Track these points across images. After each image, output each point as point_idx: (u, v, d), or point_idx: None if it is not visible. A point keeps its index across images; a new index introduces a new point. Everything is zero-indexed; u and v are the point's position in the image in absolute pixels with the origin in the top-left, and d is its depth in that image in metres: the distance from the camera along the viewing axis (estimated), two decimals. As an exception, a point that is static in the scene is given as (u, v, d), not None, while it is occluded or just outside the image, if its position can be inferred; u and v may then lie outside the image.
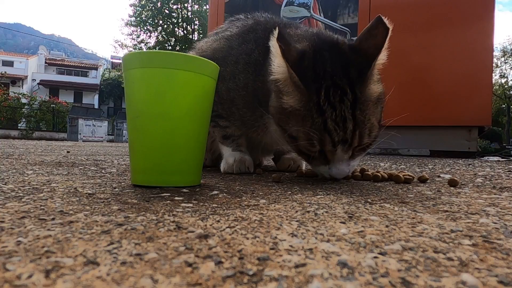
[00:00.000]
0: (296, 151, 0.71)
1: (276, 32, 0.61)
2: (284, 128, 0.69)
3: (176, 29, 15.17)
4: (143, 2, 14.64)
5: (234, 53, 0.85)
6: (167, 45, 14.99)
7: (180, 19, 15.07)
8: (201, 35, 14.53)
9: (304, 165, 0.99)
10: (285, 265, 0.23)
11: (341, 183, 0.72)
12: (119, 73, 20.54)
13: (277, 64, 0.64)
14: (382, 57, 0.63)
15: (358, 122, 0.63)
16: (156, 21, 14.89)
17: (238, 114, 0.86)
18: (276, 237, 0.30)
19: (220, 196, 0.51)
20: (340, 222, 0.36)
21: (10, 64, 22.10)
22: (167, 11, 14.88)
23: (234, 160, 0.86)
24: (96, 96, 21.71)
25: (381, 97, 0.68)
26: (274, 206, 0.44)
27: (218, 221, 0.35)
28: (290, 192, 0.57)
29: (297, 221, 0.36)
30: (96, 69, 23.90)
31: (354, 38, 0.71)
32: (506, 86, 20.37)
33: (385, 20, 0.61)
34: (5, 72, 17.36)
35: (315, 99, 0.62)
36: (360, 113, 0.63)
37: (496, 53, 20.18)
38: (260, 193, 0.55)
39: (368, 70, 0.62)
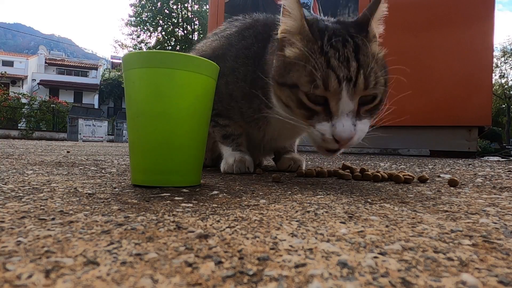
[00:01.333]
0: (297, 106, 0.65)
1: None
2: (285, 83, 0.66)
3: (176, 29, 15.17)
4: (143, 2, 14.64)
5: (234, 50, 0.86)
6: (167, 45, 14.99)
7: (180, 19, 15.07)
8: (201, 35, 14.53)
9: (304, 165, 0.99)
10: (285, 265, 0.23)
11: (341, 183, 0.72)
12: (119, 73, 20.55)
13: (285, 20, 0.67)
14: (376, 26, 0.66)
15: (362, 64, 0.61)
16: (156, 21, 14.89)
17: (237, 107, 0.86)
18: (276, 237, 0.30)
19: (220, 196, 0.51)
20: (340, 222, 0.36)
21: (10, 64, 22.10)
22: (167, 11, 14.88)
23: (234, 160, 0.86)
24: (96, 96, 21.71)
25: (384, 61, 0.67)
26: (274, 206, 0.44)
27: (218, 221, 0.35)
28: (290, 192, 0.57)
29: (297, 221, 0.36)
30: (96, 69, 23.91)
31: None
32: (506, 86, 20.37)
33: None
34: (5, 72, 17.37)
35: (319, 43, 0.63)
36: (363, 57, 0.61)
37: (496, 53, 20.19)
38: (260, 193, 0.55)
39: (366, 27, 0.65)
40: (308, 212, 0.41)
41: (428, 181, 0.77)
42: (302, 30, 0.65)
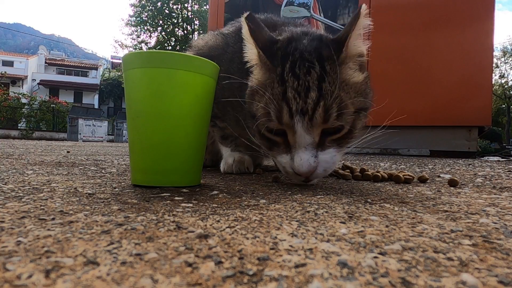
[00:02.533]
0: (259, 137, 0.63)
1: (245, 14, 0.60)
2: (250, 112, 0.64)
3: (176, 29, 15.17)
4: (143, 2, 14.65)
5: (230, 51, 0.84)
6: (167, 45, 14.99)
7: (180, 19, 15.07)
8: (200, 35, 14.52)
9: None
10: (285, 265, 0.23)
11: (341, 183, 0.72)
12: (119, 73, 20.56)
13: (248, 47, 0.63)
14: (357, 46, 0.60)
15: (324, 94, 0.55)
16: (156, 21, 14.89)
17: (233, 114, 0.85)
18: (276, 237, 0.30)
19: (220, 196, 0.51)
20: (340, 222, 0.36)
21: (10, 64, 22.10)
22: (167, 11, 14.88)
23: (233, 160, 0.86)
24: (96, 96, 21.71)
25: (362, 87, 0.61)
26: (274, 206, 0.44)
27: (218, 221, 0.35)
28: (290, 192, 0.57)
29: (297, 221, 0.36)
30: (96, 69, 23.90)
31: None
32: (506, 86, 20.37)
33: (363, 7, 0.58)
34: (5, 72, 17.36)
35: (280, 70, 0.59)
36: (328, 86, 0.56)
37: (496, 53, 20.20)
38: (260, 193, 0.55)
39: (340, 51, 0.58)
40: (308, 212, 0.41)
41: (428, 181, 0.77)
42: (261, 58, 0.61)
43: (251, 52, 0.63)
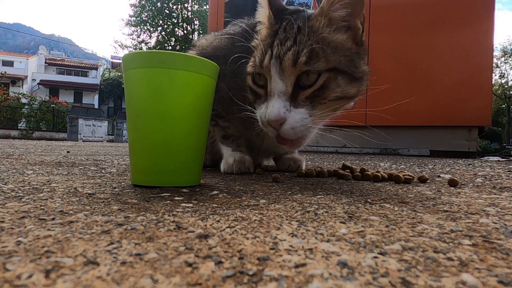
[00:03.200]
0: (249, 91, 0.71)
1: None
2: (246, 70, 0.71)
3: (176, 29, 15.17)
4: (143, 2, 14.65)
5: (236, 51, 0.84)
6: (167, 45, 14.99)
7: (180, 19, 15.07)
8: (201, 35, 14.53)
9: (304, 165, 0.99)
10: (285, 265, 0.23)
11: (341, 183, 0.72)
12: (119, 73, 20.56)
13: (260, 10, 0.72)
14: (333, 9, 0.64)
15: (297, 42, 0.61)
16: (156, 21, 14.89)
17: (238, 112, 0.85)
18: (276, 237, 0.30)
19: (220, 196, 0.51)
20: (340, 222, 0.36)
21: (10, 64, 22.10)
22: (167, 11, 14.88)
23: (234, 160, 0.86)
24: (96, 96, 21.71)
25: (345, 48, 0.64)
26: (274, 206, 0.44)
27: (218, 221, 0.35)
28: (290, 192, 0.57)
29: (297, 221, 0.36)
30: (96, 69, 23.91)
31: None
32: (506, 86, 20.37)
33: None
34: (5, 72, 17.36)
35: (276, 28, 0.67)
36: (302, 37, 0.62)
37: (496, 53, 20.21)
38: (260, 193, 0.55)
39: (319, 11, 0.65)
40: (308, 212, 0.41)
41: (428, 181, 0.77)
42: (270, 19, 0.69)
43: (263, 15, 0.71)
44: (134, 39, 15.25)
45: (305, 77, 0.61)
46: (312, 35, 0.62)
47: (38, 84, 20.82)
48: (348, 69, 0.63)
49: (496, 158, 2.27)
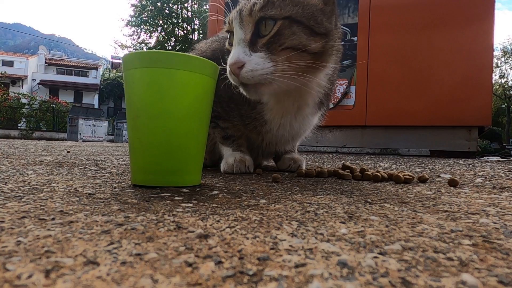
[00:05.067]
0: (226, 51, 0.75)
1: None
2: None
3: (176, 29, 15.16)
4: (143, 2, 14.64)
5: None
6: (167, 45, 14.98)
7: (180, 19, 15.07)
8: (201, 35, 14.53)
9: (304, 165, 0.99)
10: (285, 265, 0.23)
11: (341, 183, 0.72)
12: (119, 73, 20.57)
13: None
14: None
15: None
16: (156, 21, 14.89)
17: (237, 109, 0.86)
18: (276, 237, 0.30)
19: (220, 196, 0.51)
20: (340, 222, 0.36)
21: (10, 64, 22.10)
22: (167, 11, 14.87)
23: (234, 160, 0.86)
24: (96, 96, 21.71)
25: (303, 0, 0.68)
26: (274, 206, 0.44)
27: (218, 221, 0.35)
28: (290, 192, 0.57)
29: (297, 221, 0.36)
30: (96, 69, 23.90)
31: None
32: (506, 86, 20.37)
33: None
34: (5, 72, 17.36)
35: None
36: None
37: (496, 53, 20.21)
38: (260, 193, 0.55)
39: None
40: (308, 212, 0.41)
41: (428, 181, 0.77)
42: None
43: None
44: (134, 39, 15.25)
45: (263, 27, 0.66)
46: None
47: (38, 84, 20.82)
48: (307, 21, 0.66)
49: (496, 158, 2.27)
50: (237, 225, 0.34)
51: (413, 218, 0.39)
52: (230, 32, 0.71)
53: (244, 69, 0.64)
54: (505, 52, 20.43)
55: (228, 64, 0.66)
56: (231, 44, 0.71)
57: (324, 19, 0.68)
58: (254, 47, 0.65)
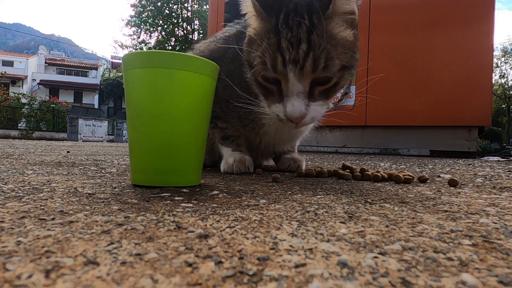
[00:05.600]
0: (256, 85, 0.69)
1: None
2: (249, 62, 0.69)
3: (176, 29, 15.16)
4: (143, 2, 14.64)
5: (231, 51, 0.85)
6: (167, 45, 14.98)
7: (180, 19, 15.06)
8: (201, 35, 14.54)
9: (304, 165, 0.99)
10: (285, 265, 0.23)
11: (341, 183, 0.72)
12: (119, 73, 20.57)
13: (245, 3, 0.68)
14: (345, 3, 0.63)
15: (312, 46, 0.60)
16: (156, 21, 14.88)
17: (235, 111, 0.86)
18: (276, 237, 0.30)
19: (220, 196, 0.51)
20: (340, 222, 0.36)
21: (10, 64, 22.10)
22: (167, 11, 14.87)
23: (234, 160, 0.86)
24: (96, 96, 21.71)
25: (349, 44, 0.65)
26: (274, 206, 0.44)
27: (218, 221, 0.35)
28: (290, 192, 0.57)
29: (297, 221, 0.36)
30: (96, 69, 23.90)
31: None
32: (506, 86, 20.37)
33: None
34: (5, 72, 17.36)
35: (274, 22, 0.63)
36: (316, 38, 0.61)
37: (496, 53, 20.20)
38: (260, 193, 0.55)
39: (328, 6, 0.62)
40: (308, 212, 0.41)
41: (428, 181, 0.77)
42: (256, 8, 0.65)
43: (247, 4, 0.68)
44: (134, 39, 15.24)
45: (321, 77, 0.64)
46: (324, 34, 0.61)
47: (38, 84, 20.82)
48: (351, 63, 0.66)
49: (496, 158, 2.27)
50: (237, 225, 0.34)
51: (413, 218, 0.39)
52: (274, 78, 0.64)
53: (305, 119, 0.64)
54: (505, 52, 20.43)
55: (286, 115, 0.64)
56: (269, 81, 0.65)
57: (356, 49, 0.68)
58: (312, 96, 0.64)
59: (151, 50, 0.85)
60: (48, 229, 0.30)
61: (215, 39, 0.96)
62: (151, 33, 15.23)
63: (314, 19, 0.62)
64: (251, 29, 0.68)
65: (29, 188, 0.53)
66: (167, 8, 14.84)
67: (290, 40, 0.61)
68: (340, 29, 0.64)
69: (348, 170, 0.86)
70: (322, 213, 0.40)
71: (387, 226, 0.34)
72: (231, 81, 0.84)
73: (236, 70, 0.83)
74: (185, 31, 15.20)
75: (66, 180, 0.64)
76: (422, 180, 0.76)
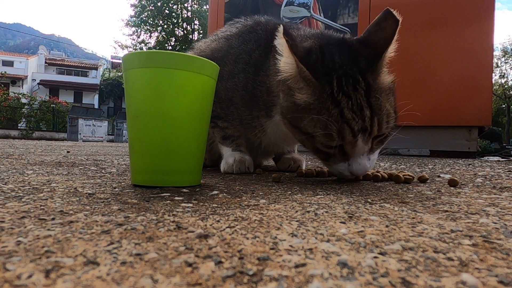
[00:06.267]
0: (312, 150, 0.68)
1: (281, 28, 0.60)
2: (298, 127, 0.66)
3: (176, 29, 15.16)
4: (143, 2, 14.63)
5: (234, 53, 0.85)
6: (167, 45, 14.98)
7: (180, 19, 15.06)
8: (201, 35, 14.53)
9: (304, 165, 0.99)
10: (285, 265, 0.23)
11: (341, 183, 0.72)
12: (119, 73, 20.57)
13: (285, 61, 0.63)
14: (391, 49, 0.64)
15: (374, 109, 0.61)
16: (156, 21, 14.88)
17: (237, 113, 0.86)
18: (276, 237, 0.30)
19: (220, 196, 0.51)
20: (340, 222, 0.36)
21: (10, 64, 22.10)
22: (167, 11, 14.87)
23: (234, 160, 0.86)
24: (96, 96, 21.71)
25: (392, 87, 0.67)
26: (274, 206, 0.44)
27: (218, 221, 0.35)
28: (290, 192, 0.57)
29: (297, 221, 0.36)
30: (96, 69, 23.90)
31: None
32: (506, 86, 20.37)
33: (394, 12, 0.62)
34: (5, 72, 17.36)
35: (329, 90, 0.61)
36: (375, 100, 0.61)
37: (496, 53, 20.20)
38: (260, 193, 0.55)
39: (378, 61, 0.62)
40: (308, 212, 0.41)
41: (428, 181, 0.77)
42: (302, 73, 0.62)
43: (288, 66, 0.64)
44: (134, 39, 15.24)
45: None
46: (378, 91, 0.62)
47: (38, 84, 20.81)
48: (395, 100, 0.68)
49: (496, 158, 2.27)
50: (237, 225, 0.34)
51: (413, 218, 0.39)
52: (338, 144, 0.64)
53: (367, 171, 0.67)
54: (505, 52, 20.43)
55: (352, 172, 0.66)
56: (328, 147, 0.65)
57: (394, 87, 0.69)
58: (371, 149, 0.66)
59: (151, 50, 0.85)
60: (48, 229, 0.30)
61: (216, 38, 0.95)
62: (151, 33, 15.22)
63: (369, 78, 0.62)
64: (298, 95, 0.64)
65: (29, 188, 0.53)
66: (167, 8, 14.83)
67: (352, 109, 0.60)
68: (386, 77, 0.65)
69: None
70: (322, 213, 0.40)
71: (387, 226, 0.34)
72: (233, 84, 0.83)
73: (240, 74, 0.82)
74: (185, 31, 15.19)
75: (66, 180, 0.64)
76: (422, 180, 0.76)
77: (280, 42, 0.62)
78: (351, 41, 0.68)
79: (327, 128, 0.61)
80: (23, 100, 12.62)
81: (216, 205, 0.44)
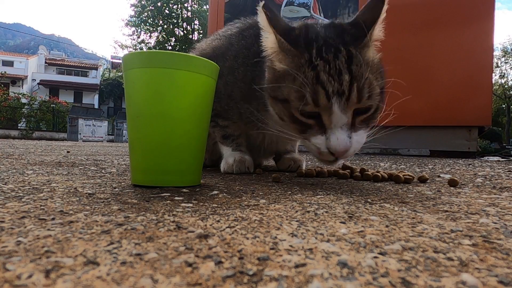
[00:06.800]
0: (289, 120, 0.65)
1: (261, 3, 0.61)
2: (276, 97, 0.65)
3: (176, 29, 15.16)
4: (143, 2, 14.63)
5: (234, 49, 0.86)
6: (167, 45, 14.98)
7: (180, 19, 15.06)
8: (201, 35, 14.54)
9: (304, 165, 0.99)
10: (285, 265, 0.23)
11: (341, 183, 0.72)
12: (119, 73, 20.58)
13: (265, 36, 0.64)
14: (379, 29, 0.62)
15: (355, 76, 0.58)
16: (156, 21, 14.88)
17: (236, 108, 0.86)
18: (276, 237, 0.30)
19: (220, 196, 0.51)
20: (340, 222, 0.36)
21: (10, 64, 22.10)
22: (167, 11, 14.87)
23: (234, 160, 0.86)
24: (96, 96, 21.71)
25: (380, 65, 0.65)
26: (274, 206, 0.44)
27: (218, 221, 0.35)
28: (290, 192, 0.57)
29: (297, 221, 0.36)
30: (96, 69, 23.90)
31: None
32: (506, 86, 20.37)
33: None
34: (5, 72, 17.35)
35: (307, 56, 0.60)
36: (357, 68, 0.59)
37: (496, 53, 20.20)
38: (260, 193, 0.55)
39: (364, 37, 0.61)
40: (308, 212, 0.41)
41: (428, 181, 0.77)
42: (281, 44, 0.62)
43: (269, 41, 0.64)
44: (134, 39, 15.24)
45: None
46: (363, 64, 0.60)
47: (38, 84, 20.81)
48: (383, 84, 0.64)
49: (496, 158, 2.27)
50: (237, 225, 0.34)
51: (413, 218, 0.39)
52: (314, 112, 0.61)
53: (348, 152, 0.61)
54: (505, 52, 20.43)
55: (330, 149, 0.60)
56: (306, 115, 0.62)
57: (383, 70, 0.66)
58: (354, 127, 0.61)
59: (151, 50, 0.85)
60: (48, 229, 0.30)
61: (217, 37, 0.96)
62: (151, 33, 15.22)
63: (352, 49, 0.60)
64: (278, 65, 0.64)
65: (29, 188, 0.53)
66: (167, 8, 14.83)
67: (329, 72, 0.58)
68: (373, 55, 0.64)
69: (348, 170, 0.86)
70: (322, 213, 0.40)
71: (387, 226, 0.34)
72: (233, 78, 0.84)
73: (240, 68, 0.83)
74: (185, 31, 15.19)
75: (66, 180, 0.64)
76: (422, 180, 0.76)
77: (260, 17, 0.62)
78: (340, 23, 0.68)
79: (302, 89, 0.59)
80: (23, 100, 12.63)
81: (216, 205, 0.44)
